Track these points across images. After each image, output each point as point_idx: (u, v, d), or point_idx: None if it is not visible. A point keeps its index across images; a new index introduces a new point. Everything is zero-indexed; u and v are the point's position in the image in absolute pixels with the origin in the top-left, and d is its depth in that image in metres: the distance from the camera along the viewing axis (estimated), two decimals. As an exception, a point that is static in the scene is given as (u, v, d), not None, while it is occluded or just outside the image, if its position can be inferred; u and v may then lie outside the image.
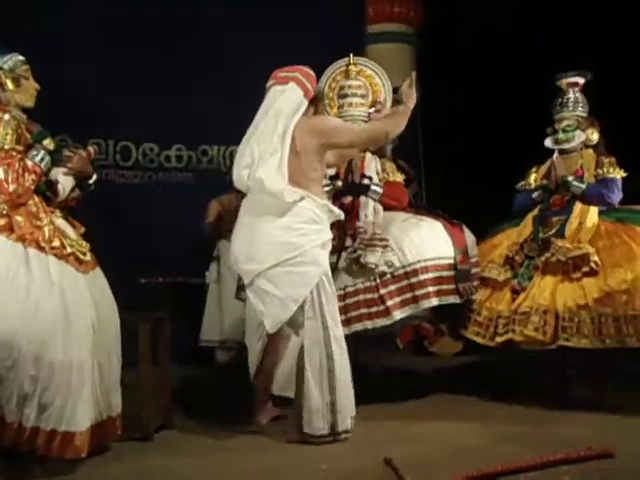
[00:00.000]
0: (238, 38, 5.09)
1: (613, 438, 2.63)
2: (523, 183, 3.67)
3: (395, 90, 4.06)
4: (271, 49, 4.97)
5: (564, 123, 3.49)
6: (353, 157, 3.42)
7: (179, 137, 5.25)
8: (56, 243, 2.48)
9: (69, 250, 2.51)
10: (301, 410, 2.78)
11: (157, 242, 4.76)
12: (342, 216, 2.98)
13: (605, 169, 3.41)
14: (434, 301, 3.32)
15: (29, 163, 2.51)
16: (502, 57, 5.61)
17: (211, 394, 3.83)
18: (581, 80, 3.56)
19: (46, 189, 2.59)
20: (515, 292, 3.31)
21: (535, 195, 3.58)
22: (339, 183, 3.62)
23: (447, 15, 5.89)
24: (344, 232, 3.40)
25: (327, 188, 3.54)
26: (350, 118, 3.68)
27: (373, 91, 3.84)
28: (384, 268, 3.27)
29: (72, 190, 2.68)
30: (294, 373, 2.89)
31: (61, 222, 2.61)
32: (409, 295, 3.29)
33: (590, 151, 3.52)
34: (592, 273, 3.13)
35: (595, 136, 3.51)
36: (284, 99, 2.78)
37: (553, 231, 3.37)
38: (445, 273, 3.36)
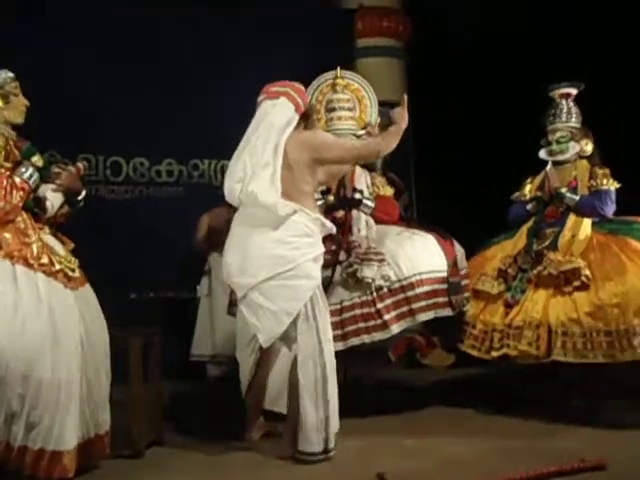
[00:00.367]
0: (228, 53, 5.12)
1: (606, 450, 2.62)
2: (518, 194, 3.67)
3: (383, 104, 4.10)
4: (261, 63, 5.01)
5: (558, 134, 3.49)
6: (343, 175, 3.43)
7: (170, 152, 5.26)
8: (44, 260, 2.47)
9: (58, 267, 2.49)
10: (295, 426, 2.76)
11: (148, 257, 4.75)
12: (334, 230, 2.99)
13: (599, 180, 3.40)
14: (430, 314, 3.33)
15: (17, 180, 2.51)
16: (492, 69, 5.65)
17: (202, 409, 3.80)
18: (574, 91, 3.56)
19: (34, 206, 2.58)
20: (508, 305, 3.31)
21: (529, 207, 3.58)
22: (331, 197, 3.64)
23: (436, 29, 5.94)
24: (338, 246, 3.41)
25: (319, 202, 3.55)
26: (338, 132, 3.70)
27: (360, 104, 3.87)
28: (381, 282, 3.28)
29: (61, 206, 2.67)
30: (285, 387, 2.88)
31: (50, 238, 2.60)
32: (406, 309, 3.30)
33: (584, 162, 3.52)
34: (583, 287, 3.13)
35: (589, 147, 3.51)
36: (276, 113, 2.80)
37: (546, 243, 3.37)
38: (439, 286, 3.37)
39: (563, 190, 3.44)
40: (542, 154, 3.55)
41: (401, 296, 3.30)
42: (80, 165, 2.77)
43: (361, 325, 3.27)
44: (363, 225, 3.55)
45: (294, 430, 2.76)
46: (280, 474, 2.66)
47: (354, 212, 3.59)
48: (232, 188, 2.78)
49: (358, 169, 3.75)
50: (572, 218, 3.38)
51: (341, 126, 3.73)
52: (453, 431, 3.11)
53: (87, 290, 2.64)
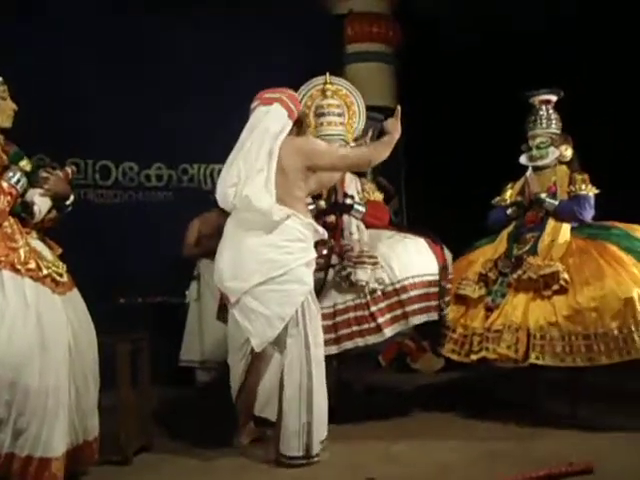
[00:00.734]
0: (218, 58, 5.12)
1: (589, 453, 2.64)
2: (498, 199, 3.70)
3: (373, 109, 4.12)
4: (251, 68, 5.02)
5: (537, 140, 3.53)
6: (333, 183, 3.44)
7: (159, 156, 5.23)
8: (32, 265, 2.44)
9: (45, 272, 2.47)
10: (280, 430, 2.76)
11: (137, 262, 4.73)
12: (326, 235, 3.02)
13: (578, 186, 3.44)
14: (423, 317, 3.35)
15: (4, 185, 2.48)
16: (481, 74, 5.70)
17: (191, 415, 3.78)
18: (553, 97, 3.60)
19: (22, 210, 2.56)
20: (489, 309, 3.33)
21: (510, 211, 3.61)
22: (322, 203, 3.65)
23: (425, 34, 5.98)
24: (330, 250, 3.42)
25: (310, 207, 3.57)
26: (327, 137, 3.72)
27: (349, 110, 3.89)
28: (375, 285, 3.30)
29: (49, 211, 2.65)
30: (273, 394, 2.87)
31: (37, 243, 2.58)
32: (399, 312, 3.32)
33: (564, 167, 3.56)
34: (562, 291, 3.15)
35: (569, 152, 3.55)
36: (269, 119, 2.83)
37: (527, 248, 3.40)
38: (431, 289, 3.39)
39: (543, 195, 3.47)
40: (523, 160, 3.60)
41: (395, 299, 3.31)
42: (68, 169, 2.75)
43: (355, 329, 3.28)
44: (354, 229, 3.58)
45: (279, 434, 2.76)
46: (269, 479, 2.65)
47: (345, 217, 3.61)
48: (226, 193, 2.79)
49: (349, 175, 3.77)
50: (551, 223, 3.42)
51: (330, 131, 3.75)
52: (442, 436, 3.12)
53: (75, 295, 2.62)
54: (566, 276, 3.16)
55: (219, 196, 2.84)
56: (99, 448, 2.64)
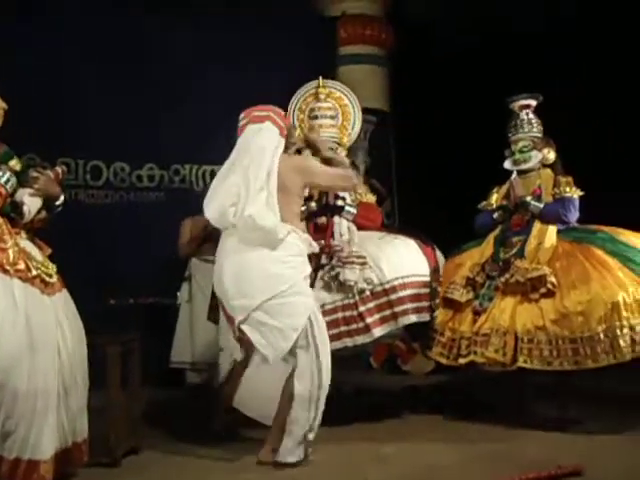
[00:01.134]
0: (212, 59, 5.11)
1: (577, 456, 2.66)
2: (484, 203, 3.73)
3: (366, 111, 4.13)
4: (245, 70, 5.02)
5: (520, 144, 3.57)
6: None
7: (151, 156, 5.22)
8: (21, 266, 2.42)
9: (35, 272, 2.45)
10: (281, 434, 2.77)
11: (128, 263, 4.71)
12: (317, 249, 3.06)
13: (562, 188, 3.47)
14: (412, 318, 3.37)
15: (-7, 184, 2.47)
16: (474, 76, 5.72)
17: (181, 416, 3.76)
18: (532, 102, 3.64)
19: (11, 210, 2.54)
20: (476, 313, 3.34)
21: (496, 215, 3.63)
22: (313, 204, 3.66)
23: (418, 37, 6.00)
24: (320, 250, 3.43)
25: (302, 208, 3.59)
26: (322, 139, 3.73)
27: (342, 112, 3.90)
28: (363, 285, 3.31)
29: (39, 211, 2.63)
30: (274, 401, 2.85)
31: (27, 244, 2.56)
32: (388, 312, 3.33)
33: (548, 171, 3.58)
34: (549, 294, 3.17)
35: (551, 155, 3.58)
36: (264, 137, 2.86)
37: (513, 251, 3.42)
38: (422, 290, 3.41)
39: (528, 198, 3.50)
40: (507, 164, 3.63)
41: (384, 299, 3.33)
42: (58, 169, 2.74)
43: (343, 329, 3.29)
44: (345, 230, 3.59)
45: (279, 438, 2.77)
46: (259, 482, 2.65)
47: (336, 218, 3.63)
48: (225, 212, 2.80)
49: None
50: (537, 226, 3.44)
51: (323, 134, 3.76)
52: (432, 438, 3.13)
53: (64, 296, 2.60)
54: (553, 279, 3.18)
55: (213, 215, 2.84)
56: (89, 450, 2.63)
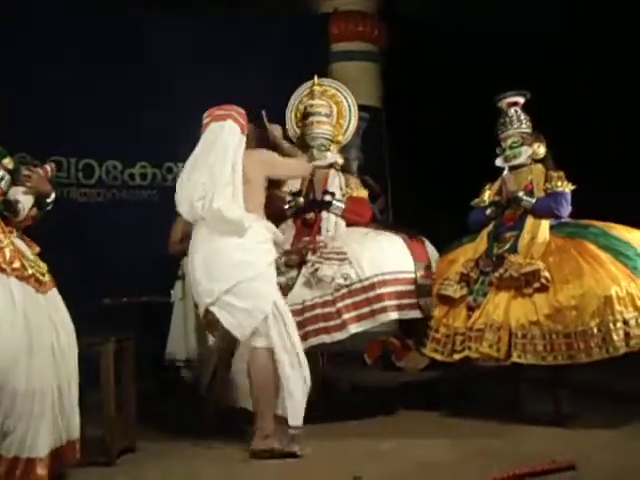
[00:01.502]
0: (201, 55, 5.10)
1: (572, 450, 2.67)
2: (477, 200, 3.74)
3: (358, 107, 4.14)
4: (237, 67, 5.01)
5: (510, 141, 3.59)
6: (312, 177, 3.68)
7: (143, 154, 5.20)
8: (17, 264, 2.42)
9: (30, 271, 2.45)
10: (268, 417, 2.88)
11: (121, 261, 4.69)
12: (282, 238, 3.29)
13: (554, 183, 3.48)
14: (392, 315, 3.35)
15: (-13, 183, 2.46)
16: (467, 73, 5.73)
17: (176, 414, 3.76)
18: (520, 99, 3.66)
19: (4, 209, 2.53)
20: (470, 309, 3.35)
21: (488, 212, 3.64)
22: (301, 200, 3.67)
23: (411, 33, 6.00)
24: (305, 247, 3.43)
25: (289, 204, 3.65)
26: (313, 136, 3.74)
27: (338, 110, 3.91)
28: (340, 281, 3.31)
29: (29, 209, 2.62)
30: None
31: (19, 242, 2.55)
32: (366, 309, 3.32)
33: (539, 166, 3.60)
34: (543, 289, 3.18)
35: (542, 150, 3.59)
36: (226, 135, 3.06)
37: (507, 247, 3.43)
38: (405, 287, 3.39)
39: (520, 194, 3.51)
40: (498, 162, 3.65)
41: (362, 296, 3.32)
42: (47, 167, 2.72)
43: (321, 325, 3.30)
44: (332, 226, 3.62)
45: (265, 423, 2.87)
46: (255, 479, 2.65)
47: (324, 213, 3.64)
48: (193, 206, 3.01)
49: (332, 171, 3.82)
50: (530, 221, 3.45)
51: (315, 130, 3.77)
52: (426, 434, 3.14)
53: (55, 294, 2.60)
54: (547, 274, 3.19)
55: (184, 209, 3.06)
56: (84, 449, 2.62)
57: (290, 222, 3.74)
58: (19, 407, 2.30)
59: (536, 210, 3.46)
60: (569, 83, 5.42)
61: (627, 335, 3.04)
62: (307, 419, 2.92)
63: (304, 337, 3.23)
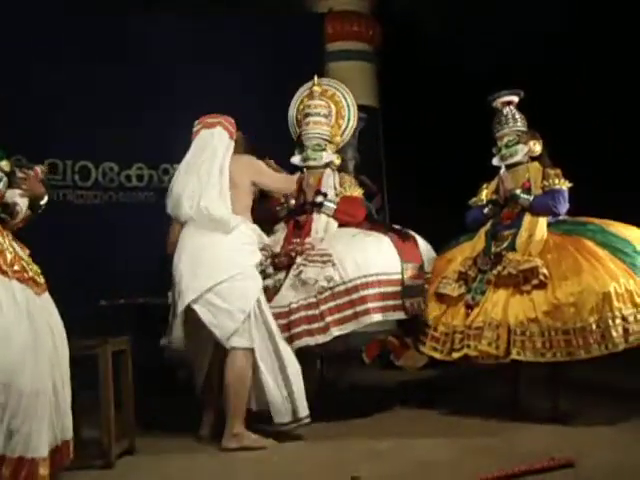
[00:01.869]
0: (198, 55, 5.08)
1: (570, 448, 2.67)
2: (475, 199, 3.75)
3: (358, 107, 4.13)
4: (233, 68, 5.00)
5: (505, 139, 3.60)
6: (301, 179, 3.75)
7: (139, 156, 5.18)
8: (17, 267, 2.43)
9: (30, 274, 2.47)
10: (236, 418, 2.99)
11: (119, 263, 4.68)
12: (267, 240, 3.40)
13: (551, 180, 3.49)
14: (375, 317, 3.33)
15: (-14, 186, 2.45)
16: (462, 73, 5.73)
17: (174, 415, 3.75)
18: (515, 98, 3.67)
19: (2, 211, 2.53)
20: (469, 307, 3.35)
21: (486, 210, 3.65)
22: (292, 202, 3.67)
23: (405, 33, 6.00)
24: (294, 249, 3.44)
25: (284, 205, 3.69)
26: (309, 135, 3.74)
27: (337, 110, 3.91)
28: (324, 283, 3.32)
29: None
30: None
31: (15, 245, 2.55)
32: (350, 312, 3.31)
33: (536, 164, 3.61)
34: (541, 286, 3.19)
35: (538, 147, 3.60)
36: (216, 141, 3.23)
37: (505, 245, 3.44)
38: (389, 289, 3.38)
39: (517, 191, 3.52)
40: (495, 161, 3.67)
41: (345, 299, 3.32)
42: (38, 168, 2.72)
43: (305, 327, 3.30)
44: (322, 227, 3.62)
45: (233, 420, 2.98)
46: (254, 478, 2.64)
47: (315, 214, 3.63)
48: (182, 205, 3.16)
49: (327, 170, 3.82)
50: (528, 218, 3.46)
51: (311, 131, 3.77)
52: (425, 432, 3.14)
53: (48, 296, 2.61)
54: (545, 271, 3.19)
55: (173, 210, 3.22)
56: (82, 452, 2.62)
57: (282, 224, 3.74)
58: (25, 405, 2.32)
59: (534, 208, 3.47)
60: (569, 83, 5.43)
61: (626, 331, 3.05)
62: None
63: (290, 339, 3.26)
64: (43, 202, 2.68)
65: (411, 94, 5.86)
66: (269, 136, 4.24)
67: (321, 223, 3.62)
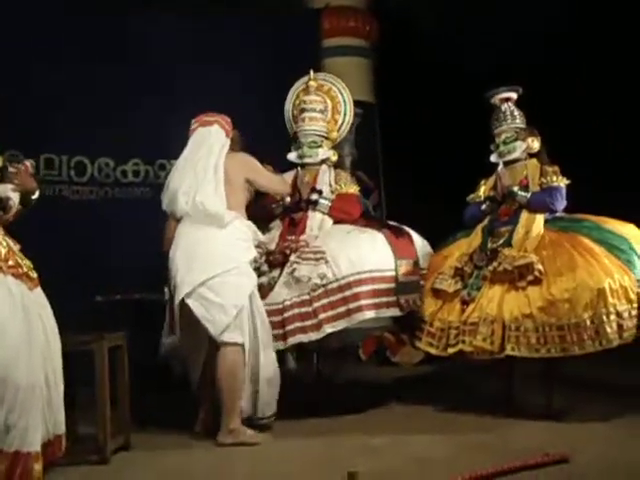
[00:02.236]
0: (194, 52, 5.07)
1: (565, 444, 2.69)
2: (473, 196, 3.75)
3: (354, 103, 4.12)
4: (228, 64, 4.98)
5: (503, 136, 3.60)
6: (295, 176, 3.79)
7: (135, 151, 5.16)
8: (12, 262, 2.43)
9: (24, 269, 2.47)
10: (231, 413, 3.02)
11: (114, 259, 4.67)
12: (262, 238, 3.41)
13: (549, 177, 3.50)
14: (368, 314, 3.34)
15: (-19, 181, 2.45)
16: (459, 68, 5.72)
17: (170, 411, 3.75)
18: (513, 95, 3.67)
19: (-5, 206, 2.52)
20: (464, 303, 3.36)
21: (484, 207, 3.65)
22: (287, 199, 3.67)
23: (402, 29, 5.99)
24: (288, 247, 3.44)
25: (280, 202, 3.70)
26: (304, 132, 3.73)
27: (333, 106, 3.89)
28: (317, 280, 3.32)
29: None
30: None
31: (9, 239, 2.55)
32: (343, 309, 3.31)
33: (534, 161, 3.61)
34: (536, 282, 3.20)
35: (536, 144, 3.60)
36: (214, 138, 3.28)
37: (501, 241, 3.45)
38: (383, 286, 3.37)
39: (515, 188, 3.52)
40: (493, 158, 3.67)
41: (338, 296, 3.32)
42: (27, 163, 2.72)
43: (298, 324, 3.31)
44: (317, 224, 3.62)
45: (229, 416, 3.01)
46: (250, 473, 2.64)
47: (309, 212, 3.64)
48: (178, 200, 3.19)
49: (323, 167, 3.82)
50: (525, 215, 3.46)
51: (306, 127, 3.75)
52: (421, 428, 3.15)
53: (40, 290, 2.61)
54: (540, 267, 3.20)
55: (169, 206, 3.26)
56: (78, 448, 2.62)
57: (278, 221, 3.74)
58: (22, 401, 2.32)
59: (531, 204, 3.47)
60: (569, 83, 5.43)
61: (620, 327, 3.06)
62: (300, 414, 2.92)
63: (284, 337, 3.28)
64: (35, 196, 2.68)
65: (408, 90, 5.85)
66: (269, 136, 4.24)
67: (316, 221, 3.61)
